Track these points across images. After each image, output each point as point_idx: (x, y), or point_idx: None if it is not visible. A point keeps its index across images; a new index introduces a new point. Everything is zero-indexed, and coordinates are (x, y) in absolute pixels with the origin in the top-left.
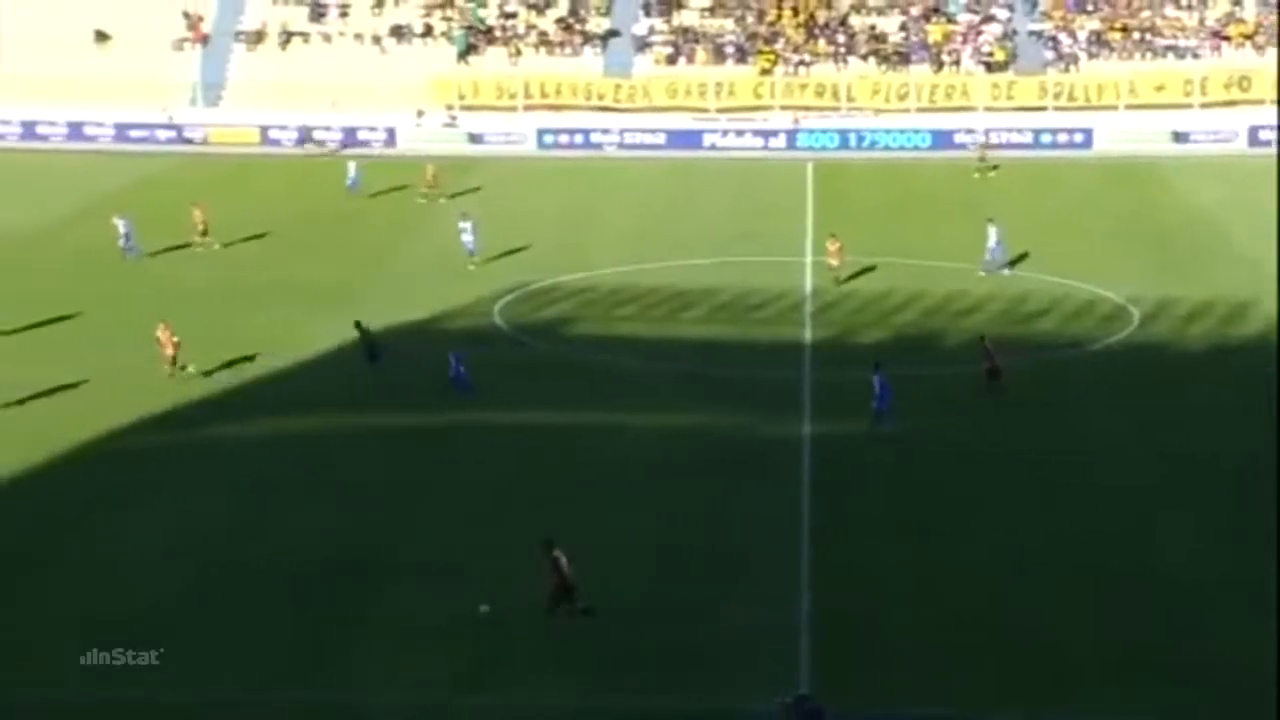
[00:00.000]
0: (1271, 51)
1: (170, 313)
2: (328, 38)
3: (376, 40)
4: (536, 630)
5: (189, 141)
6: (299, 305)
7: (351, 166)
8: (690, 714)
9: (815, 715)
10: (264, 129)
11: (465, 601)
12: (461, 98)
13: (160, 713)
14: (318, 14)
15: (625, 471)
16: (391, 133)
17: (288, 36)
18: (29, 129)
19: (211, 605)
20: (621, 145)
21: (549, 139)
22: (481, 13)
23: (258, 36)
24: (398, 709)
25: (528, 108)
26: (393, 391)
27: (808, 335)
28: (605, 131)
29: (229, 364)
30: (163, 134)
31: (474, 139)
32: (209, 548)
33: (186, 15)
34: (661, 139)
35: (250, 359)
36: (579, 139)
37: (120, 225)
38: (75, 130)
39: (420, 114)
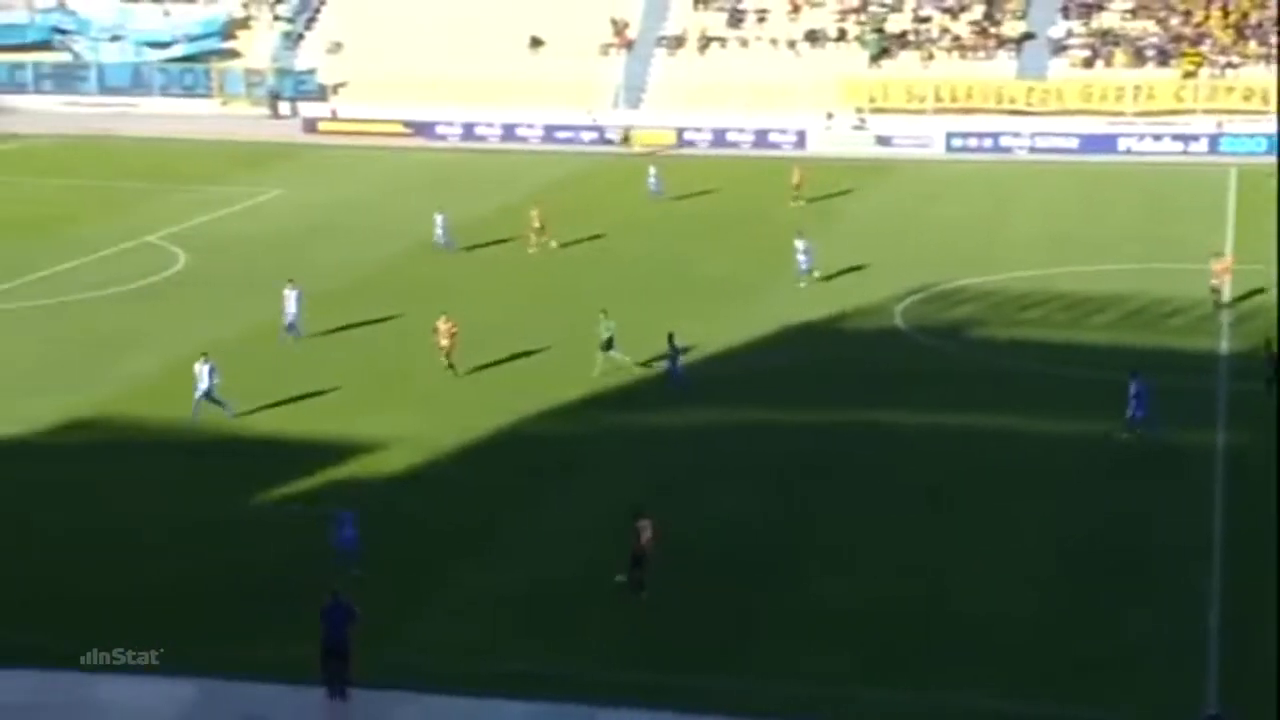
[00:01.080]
0: None
1: (602, 302)
2: (744, 42)
3: (791, 44)
4: (937, 625)
5: (609, 142)
6: (701, 299)
7: (652, 171)
8: None
9: None
10: (680, 130)
11: (866, 594)
12: (871, 100)
13: (566, 684)
14: (736, 19)
15: (1026, 475)
16: (801, 135)
17: (706, 41)
18: (468, 130)
19: (615, 589)
20: (1032, 149)
21: (957, 142)
22: (895, 17)
23: (678, 41)
24: (795, 698)
25: (937, 111)
26: (794, 387)
27: (1224, 345)
28: (1016, 135)
29: (650, 359)
30: (586, 135)
31: (882, 141)
32: (618, 531)
33: (614, 22)
34: (1074, 143)
35: (662, 354)
36: (988, 142)
37: (438, 220)
38: (509, 131)
39: (830, 116)
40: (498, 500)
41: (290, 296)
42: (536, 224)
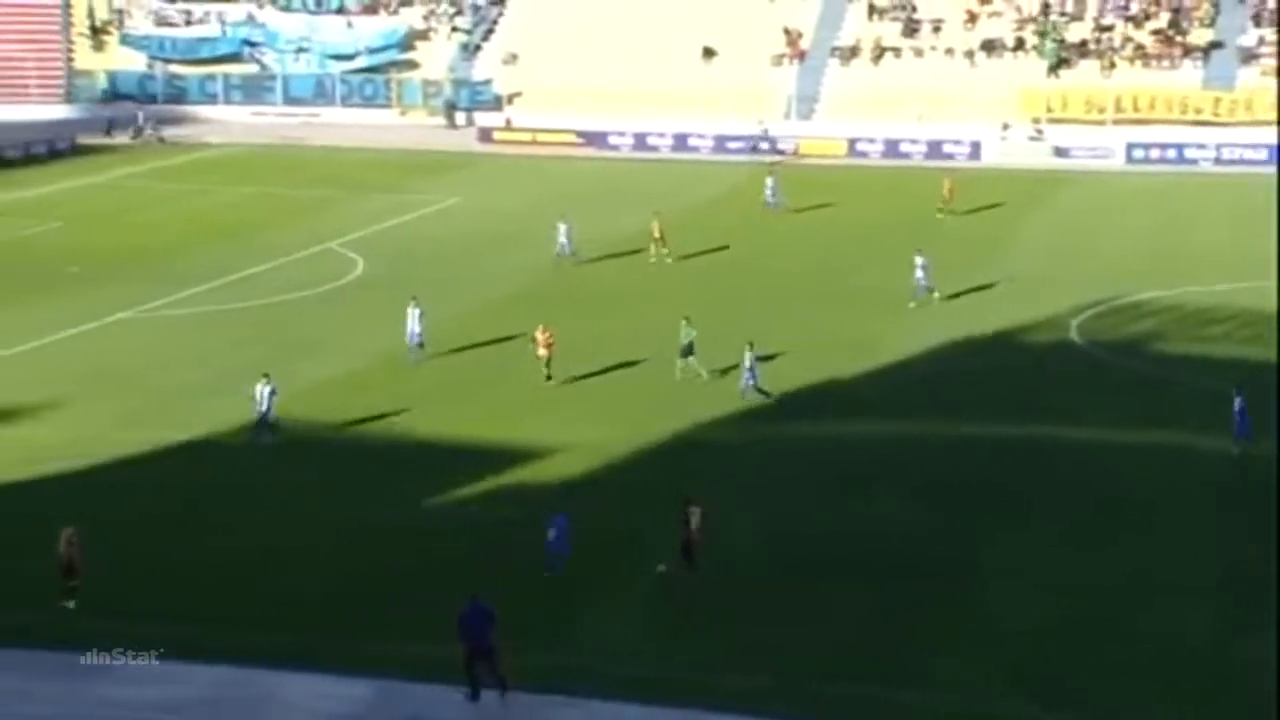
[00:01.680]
0: None
1: (774, 311)
2: (919, 52)
3: (969, 55)
4: (1106, 643)
5: (780, 153)
6: (865, 308)
7: (769, 183)
8: None
9: None
10: (851, 141)
11: (1031, 611)
12: (1049, 111)
13: (712, 693)
14: (911, 29)
15: (1201, 493)
16: (976, 146)
17: (881, 51)
18: (640, 140)
19: (777, 593)
20: (1218, 161)
21: (1139, 153)
22: (1075, 26)
23: (852, 51)
24: (946, 712)
25: (1117, 122)
26: (966, 399)
27: None
28: (1200, 146)
29: (727, 368)
30: (760, 145)
31: (1059, 153)
32: (790, 541)
33: (787, 31)
34: (1263, 154)
35: (819, 360)
36: (1171, 154)
37: (561, 229)
38: (680, 141)
39: (1006, 127)
40: (667, 506)
41: (413, 315)
42: (656, 234)
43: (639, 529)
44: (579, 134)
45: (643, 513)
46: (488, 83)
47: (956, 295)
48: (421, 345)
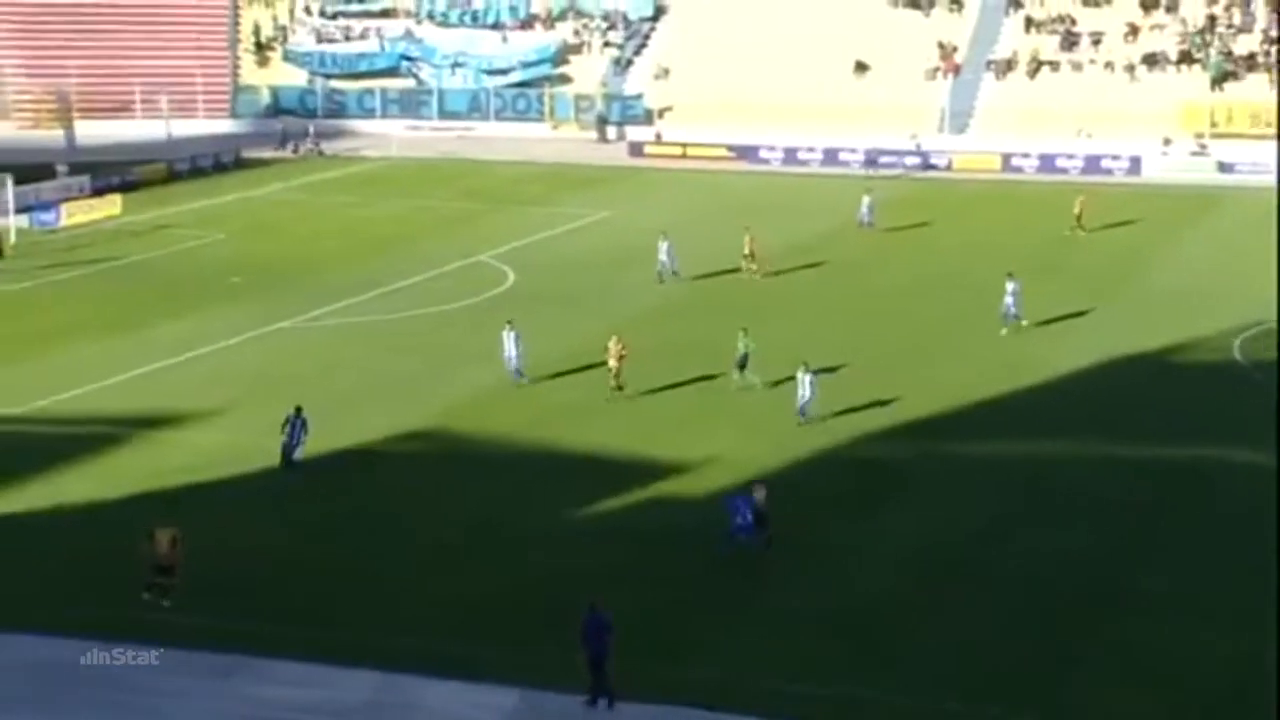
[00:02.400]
0: None
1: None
2: (1078, 66)
3: (1129, 68)
4: (1270, 680)
5: (933, 167)
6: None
7: (865, 201)
8: None
9: None
10: (1006, 156)
11: (1185, 642)
12: (1213, 125)
13: (863, 712)
14: (1069, 43)
15: None
16: (1136, 161)
17: (1038, 65)
18: (790, 154)
19: (932, 613)
20: None
21: None
22: (1243, 38)
23: (1008, 65)
24: None
25: None
26: (1123, 420)
27: None
28: None
29: (780, 380)
30: (909, 160)
31: (1223, 168)
32: (942, 558)
33: (941, 45)
34: None
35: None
36: None
37: (662, 246)
38: (830, 155)
39: (1167, 142)
40: (817, 521)
41: (509, 339)
42: (747, 250)
43: (792, 543)
44: (729, 148)
45: (782, 528)
46: (639, 97)
47: (1083, 315)
48: (519, 371)
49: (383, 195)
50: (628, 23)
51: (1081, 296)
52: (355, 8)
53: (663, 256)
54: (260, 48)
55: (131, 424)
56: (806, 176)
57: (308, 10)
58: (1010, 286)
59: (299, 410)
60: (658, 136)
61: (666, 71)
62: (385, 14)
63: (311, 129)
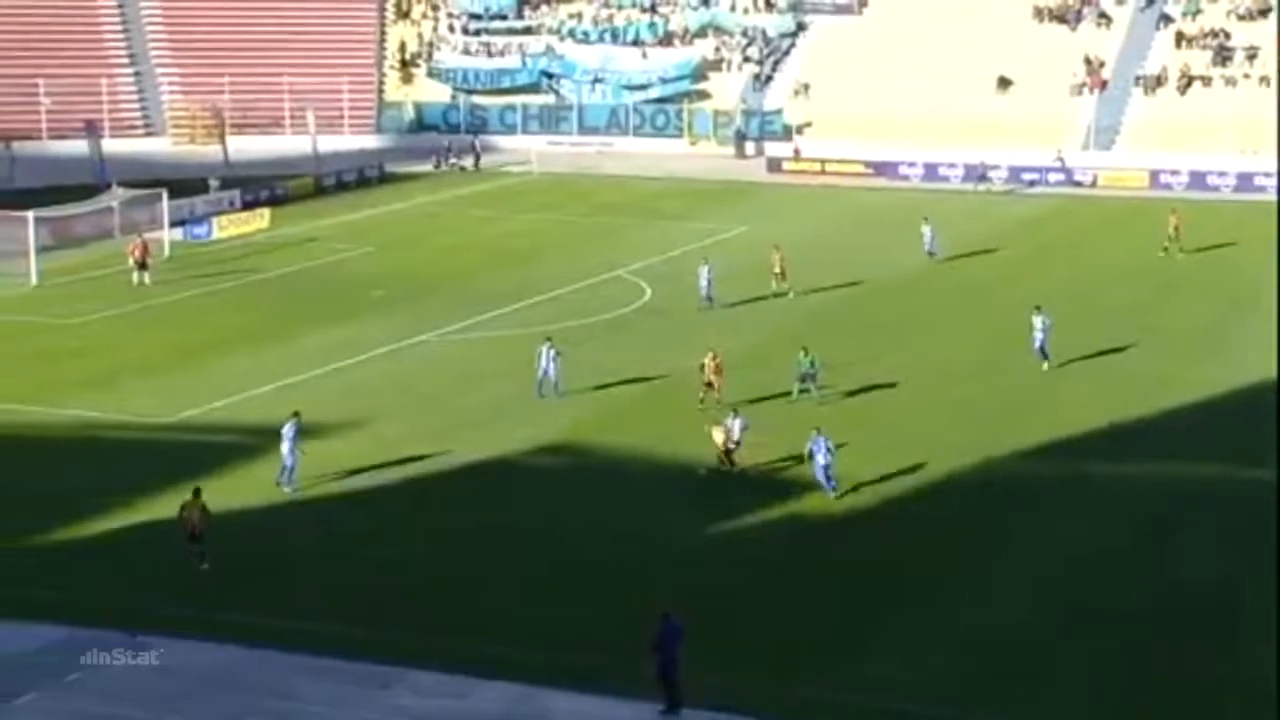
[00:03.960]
0: None
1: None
2: (1230, 81)
3: None
4: None
5: (1078, 184)
6: (1180, 347)
7: (926, 230)
8: None
9: None
10: (1154, 173)
11: None
12: None
13: None
14: (1222, 57)
15: None
16: None
17: (1188, 80)
18: (931, 170)
19: (1066, 641)
20: None
21: None
22: None
23: (1157, 81)
24: None
25: None
26: (1267, 442)
27: None
28: None
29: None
30: (1053, 176)
31: None
32: (1079, 583)
33: (1088, 61)
34: None
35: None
36: None
37: (702, 274)
38: (971, 171)
39: None
40: (956, 539)
41: (547, 355)
42: (777, 268)
43: (938, 565)
44: (868, 164)
45: (938, 548)
46: (778, 112)
47: (1218, 334)
48: (556, 385)
49: (523, 209)
50: (767, 39)
51: (1218, 315)
52: (499, 25)
53: (702, 282)
54: (405, 64)
55: (276, 434)
56: (947, 193)
57: (451, 28)
58: (1038, 322)
59: (296, 414)
60: (796, 152)
61: (806, 87)
62: (528, 31)
63: (478, 143)
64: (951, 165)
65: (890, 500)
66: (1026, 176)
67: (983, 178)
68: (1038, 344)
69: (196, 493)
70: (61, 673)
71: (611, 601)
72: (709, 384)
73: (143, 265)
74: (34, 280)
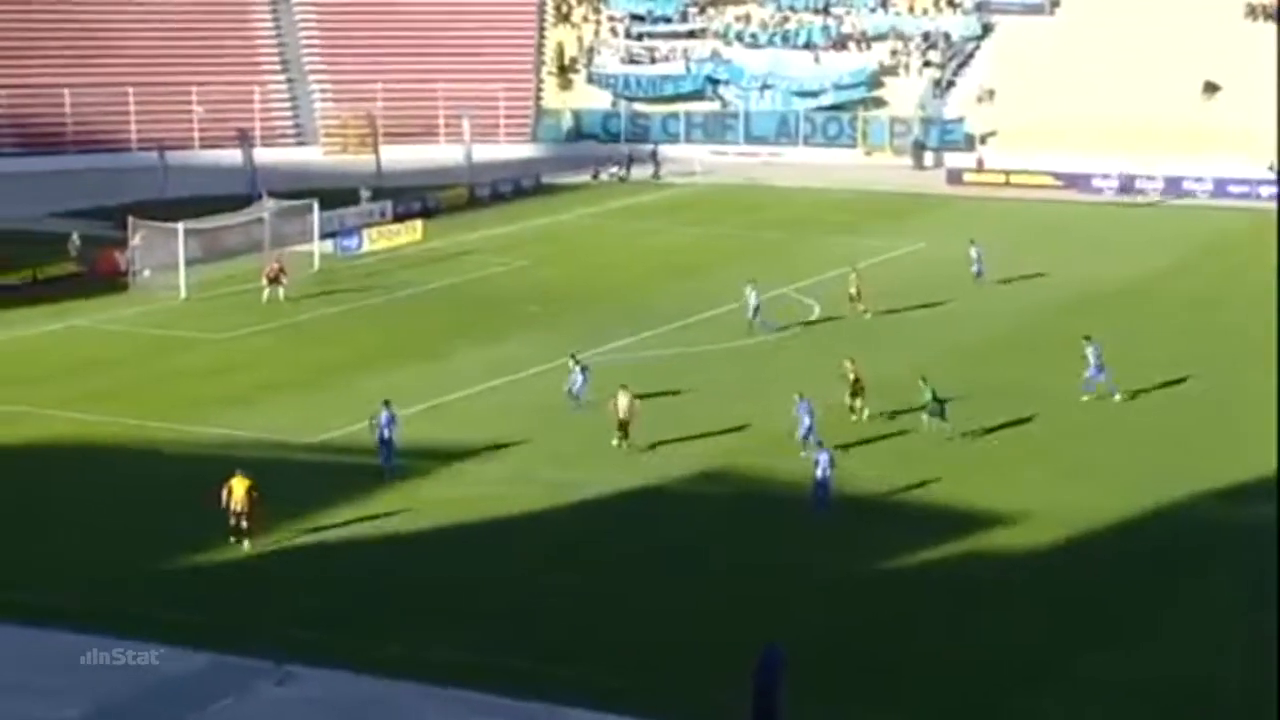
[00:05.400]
0: None
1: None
2: None
3: None
4: None
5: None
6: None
7: (974, 252)
8: None
9: None
10: None
11: None
12: None
13: None
14: None
15: None
16: None
17: None
18: (1126, 183)
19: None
20: None
21: None
22: None
23: None
24: None
25: None
26: None
27: None
28: None
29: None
30: (1264, 190)
31: None
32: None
33: None
34: None
35: None
36: None
37: (751, 296)
38: (1173, 185)
39: None
40: (1143, 581)
41: (576, 371)
42: (853, 290)
43: (1098, 603)
44: (1057, 176)
45: (1108, 587)
46: (959, 121)
47: None
48: (579, 400)
49: (685, 223)
50: (949, 42)
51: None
52: (662, 28)
53: (750, 302)
54: (563, 70)
55: (423, 455)
56: (1144, 208)
57: (613, 31)
58: (1090, 351)
59: (387, 402)
60: (979, 163)
61: (990, 94)
62: (692, 35)
63: (656, 151)
64: (1150, 178)
65: (1083, 537)
66: (1233, 189)
67: (1127, 189)
68: (1090, 374)
69: (235, 473)
70: (208, 701)
71: (759, 634)
72: (854, 390)
73: (274, 280)
74: (183, 293)
